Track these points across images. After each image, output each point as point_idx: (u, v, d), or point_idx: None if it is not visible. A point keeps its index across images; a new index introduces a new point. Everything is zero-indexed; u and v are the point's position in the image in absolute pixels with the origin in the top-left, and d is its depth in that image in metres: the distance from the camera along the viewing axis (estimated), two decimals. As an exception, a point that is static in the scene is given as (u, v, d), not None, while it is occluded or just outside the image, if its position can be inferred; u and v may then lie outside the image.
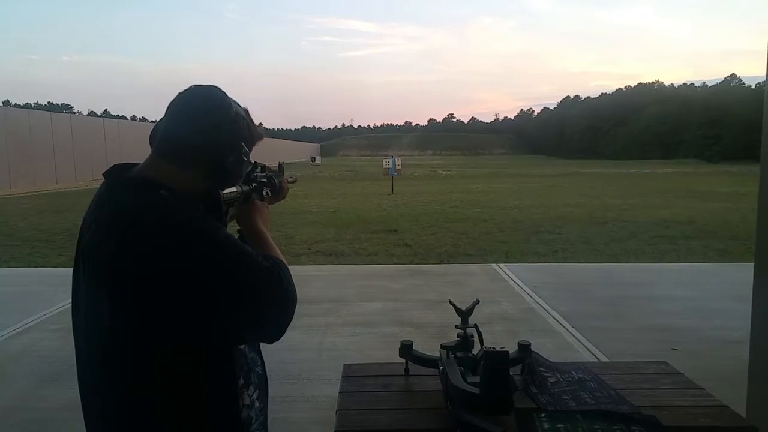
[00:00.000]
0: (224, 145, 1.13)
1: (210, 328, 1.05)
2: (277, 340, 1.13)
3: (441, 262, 7.79)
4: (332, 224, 11.67)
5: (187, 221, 1.05)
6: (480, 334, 1.76)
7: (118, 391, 1.09)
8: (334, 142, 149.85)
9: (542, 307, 5.24)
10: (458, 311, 1.81)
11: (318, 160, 52.50)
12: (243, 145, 1.17)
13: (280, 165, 1.69)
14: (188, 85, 1.16)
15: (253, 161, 1.36)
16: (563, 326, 4.68)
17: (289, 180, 1.74)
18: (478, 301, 1.85)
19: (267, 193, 1.48)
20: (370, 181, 27.27)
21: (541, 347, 4.15)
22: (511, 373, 1.41)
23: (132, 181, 1.11)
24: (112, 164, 1.17)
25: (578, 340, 4.35)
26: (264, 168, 1.52)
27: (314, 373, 3.75)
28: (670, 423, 1.49)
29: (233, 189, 1.29)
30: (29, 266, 7.68)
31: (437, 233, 10.36)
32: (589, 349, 4.14)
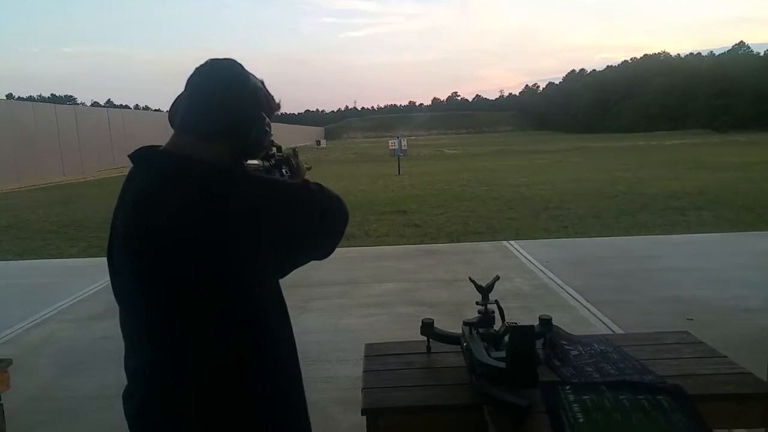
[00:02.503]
0: (247, 116, 1.14)
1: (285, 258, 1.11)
2: (334, 247, 1.21)
3: (451, 241, 7.79)
4: (341, 207, 11.67)
5: (220, 173, 1.08)
6: (501, 310, 1.77)
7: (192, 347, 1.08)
8: (338, 125, 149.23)
9: (555, 282, 5.25)
10: (478, 288, 1.81)
11: (323, 143, 52.35)
12: (264, 115, 1.18)
13: (294, 149, 1.69)
14: (204, 62, 1.16)
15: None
16: (577, 301, 4.68)
17: (306, 167, 1.74)
18: (498, 278, 1.85)
19: (286, 171, 1.48)
20: (376, 162, 27.20)
21: (558, 322, 4.15)
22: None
23: (161, 157, 1.12)
24: (137, 148, 1.16)
25: (593, 314, 4.36)
26: (280, 148, 1.52)
27: (332, 354, 3.78)
28: (695, 391, 1.50)
29: (255, 162, 1.29)
30: (42, 258, 7.75)
31: (446, 212, 10.35)
32: (604, 323, 4.15)
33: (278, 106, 1.27)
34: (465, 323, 1.69)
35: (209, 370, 1.08)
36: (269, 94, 1.23)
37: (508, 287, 5.11)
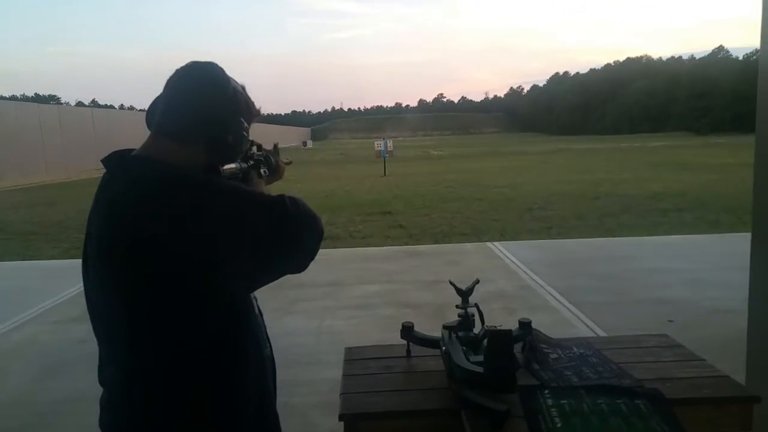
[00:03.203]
0: (224, 120, 1.13)
1: (249, 268, 1.07)
2: (306, 265, 1.16)
3: (436, 242, 7.80)
4: (326, 208, 11.63)
5: (193, 184, 1.06)
6: (481, 314, 1.75)
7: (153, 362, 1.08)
8: (325, 125, 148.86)
9: (538, 283, 5.27)
10: (459, 291, 1.80)
11: (309, 144, 52.29)
12: (243, 120, 1.17)
13: (275, 145, 1.67)
14: (185, 64, 1.15)
15: (251, 139, 1.35)
16: (560, 302, 4.70)
17: (285, 161, 1.72)
18: (478, 281, 1.84)
19: (264, 172, 1.47)
20: (362, 163, 27.18)
21: (539, 324, 4.16)
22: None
23: (134, 162, 1.10)
24: (111, 151, 1.14)
25: (575, 315, 4.38)
26: (260, 147, 1.50)
27: (314, 357, 3.75)
28: (673, 395, 1.50)
29: (233, 165, 1.26)
30: (24, 259, 7.62)
31: (431, 214, 10.36)
32: (586, 324, 4.17)
33: (259, 112, 1.27)
34: (444, 327, 1.67)
35: (183, 380, 1.08)
36: (249, 99, 1.22)
37: (491, 289, 5.12)
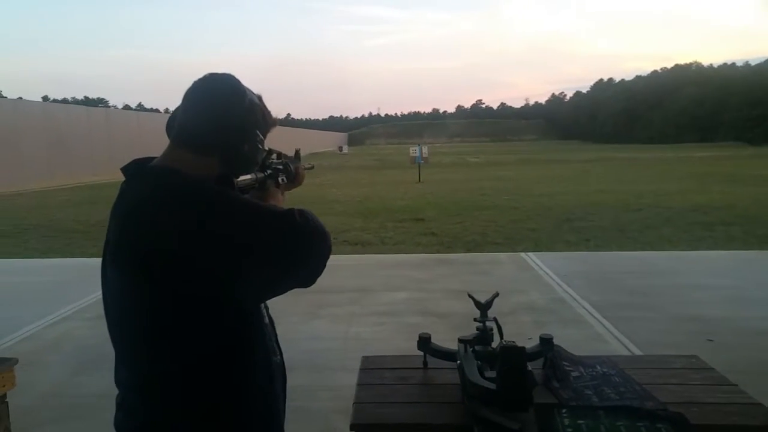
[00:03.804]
0: (239, 132, 1.14)
1: (254, 282, 1.07)
2: (314, 280, 1.13)
3: (468, 251, 7.71)
4: (359, 213, 11.69)
5: (205, 196, 1.07)
6: (500, 327, 1.71)
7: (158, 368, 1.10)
8: (361, 131, 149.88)
9: (572, 297, 5.14)
10: (477, 304, 1.77)
11: (345, 149, 52.73)
12: (258, 132, 1.18)
13: (297, 151, 1.68)
14: (203, 75, 1.17)
15: (268, 148, 1.35)
16: (594, 317, 4.57)
17: (306, 167, 1.73)
18: (497, 294, 1.80)
19: (282, 180, 1.47)
20: (397, 169, 27.20)
21: (570, 338, 4.10)
22: (531, 368, 1.36)
23: (151, 172, 1.12)
24: (132, 159, 1.17)
25: (609, 330, 4.25)
26: (280, 155, 1.51)
27: (338, 362, 3.75)
28: (698, 421, 1.43)
29: (248, 177, 1.27)
30: (66, 257, 7.91)
31: (464, 221, 10.26)
32: (620, 340, 4.04)
33: (276, 122, 1.27)
34: (460, 340, 1.64)
35: (194, 385, 1.10)
36: (266, 109, 1.22)
37: (523, 300, 5.02)
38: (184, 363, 1.08)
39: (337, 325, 4.48)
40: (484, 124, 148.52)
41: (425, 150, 21.35)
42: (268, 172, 1.41)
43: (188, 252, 1.01)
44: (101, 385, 3.47)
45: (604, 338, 4.11)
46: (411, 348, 2.02)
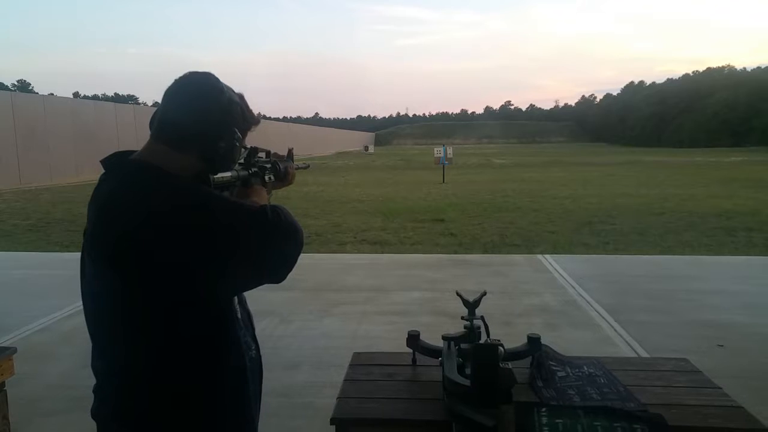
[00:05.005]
0: (216, 127, 1.16)
1: (225, 276, 1.09)
2: (284, 276, 1.16)
3: (485, 252, 7.69)
4: (380, 213, 11.73)
5: (177, 191, 1.10)
6: (486, 326, 1.74)
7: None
8: (389, 131, 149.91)
9: (585, 299, 5.10)
10: (465, 303, 1.80)
11: (371, 149, 52.89)
12: (236, 130, 1.20)
13: (290, 151, 1.70)
14: (183, 73, 1.20)
15: (250, 146, 1.38)
16: (605, 319, 4.53)
17: (300, 166, 1.76)
18: (485, 293, 1.83)
19: (270, 178, 1.49)
20: (422, 170, 27.16)
21: (579, 340, 4.09)
22: (512, 366, 1.39)
23: (129, 166, 1.16)
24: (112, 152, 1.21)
25: (619, 334, 4.21)
26: (269, 153, 1.54)
27: (346, 360, 3.77)
28: (678, 422, 1.44)
29: (227, 174, 1.29)
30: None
31: (484, 223, 10.22)
32: (629, 344, 4.00)
33: (257, 121, 1.29)
34: (444, 338, 1.68)
35: (164, 375, 1.14)
36: (247, 107, 1.24)
37: (535, 302, 5.00)
38: (153, 353, 1.11)
39: (347, 324, 4.53)
40: (512, 126, 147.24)
41: (450, 151, 21.29)
42: (253, 170, 1.43)
43: (159, 245, 1.04)
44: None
45: (613, 341, 4.08)
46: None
